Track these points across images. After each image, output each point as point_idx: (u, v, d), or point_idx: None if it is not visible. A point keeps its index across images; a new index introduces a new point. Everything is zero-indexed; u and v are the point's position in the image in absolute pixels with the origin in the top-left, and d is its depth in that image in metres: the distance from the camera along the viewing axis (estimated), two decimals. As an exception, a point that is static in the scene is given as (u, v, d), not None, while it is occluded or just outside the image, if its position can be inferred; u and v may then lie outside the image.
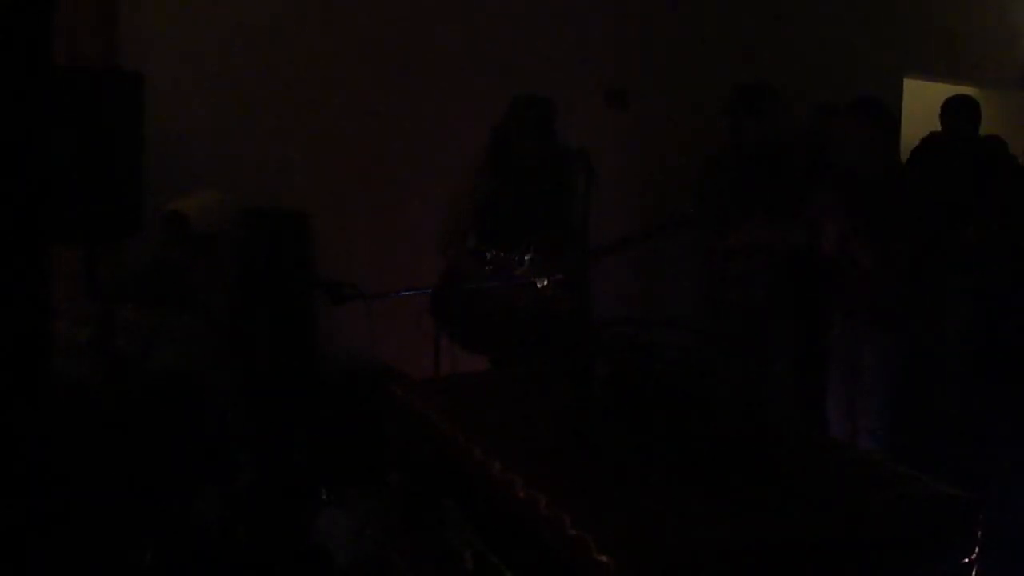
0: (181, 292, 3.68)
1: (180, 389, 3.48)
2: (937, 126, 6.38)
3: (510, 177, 4.73)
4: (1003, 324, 4.73)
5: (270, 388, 4.55)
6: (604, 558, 1.93)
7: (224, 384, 3.64)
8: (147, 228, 4.24)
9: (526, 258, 4.55)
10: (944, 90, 8.67)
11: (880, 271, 4.53)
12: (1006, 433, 4.51)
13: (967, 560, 2.31)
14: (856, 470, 2.53)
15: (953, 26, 8.55)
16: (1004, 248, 5.02)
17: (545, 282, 4.31)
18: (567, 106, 6.33)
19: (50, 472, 2.75)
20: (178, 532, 3.59)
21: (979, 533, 2.32)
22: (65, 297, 4.31)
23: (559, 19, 6.41)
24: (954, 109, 6.09)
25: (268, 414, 4.40)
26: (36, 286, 2.14)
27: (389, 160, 5.73)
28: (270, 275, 4.71)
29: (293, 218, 5.30)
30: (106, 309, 3.48)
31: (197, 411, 3.56)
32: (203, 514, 3.70)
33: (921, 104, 8.00)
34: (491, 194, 4.73)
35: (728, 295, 5.14)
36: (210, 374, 3.58)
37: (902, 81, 8.32)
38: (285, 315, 4.83)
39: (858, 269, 4.59)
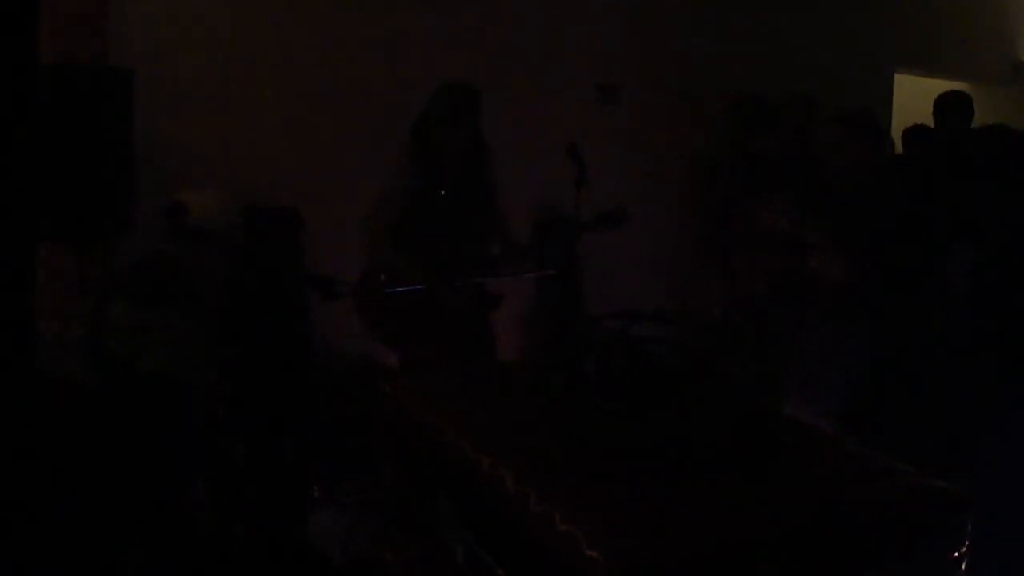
0: (175, 287, 3.66)
1: (171, 387, 3.47)
2: (927, 120, 6.38)
3: (431, 169, 4.50)
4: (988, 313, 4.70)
5: (262, 384, 4.55)
6: (593, 553, 1.94)
7: (216, 382, 3.63)
8: (139, 225, 4.25)
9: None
10: (935, 85, 8.70)
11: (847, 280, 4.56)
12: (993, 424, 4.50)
13: (957, 554, 2.32)
14: (846, 464, 2.54)
15: (944, 21, 8.57)
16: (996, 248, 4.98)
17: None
18: (560, 101, 6.35)
19: (41, 471, 2.75)
20: (171, 531, 3.58)
21: (969, 527, 2.33)
22: (57, 296, 4.31)
23: (552, 14, 6.41)
24: (947, 107, 6.07)
25: (260, 411, 4.39)
26: (22, 284, 2.14)
27: (381, 156, 5.72)
28: (262, 271, 4.70)
29: (284, 214, 5.29)
30: (97, 307, 3.47)
31: (189, 409, 3.55)
32: (196, 513, 3.70)
33: (911, 99, 8.02)
34: (413, 187, 4.49)
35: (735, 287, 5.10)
36: (202, 372, 3.57)
37: (893, 76, 8.34)
38: (277, 311, 4.82)
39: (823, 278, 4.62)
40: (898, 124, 7.82)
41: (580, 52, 6.53)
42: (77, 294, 4.12)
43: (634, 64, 6.73)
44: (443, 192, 4.48)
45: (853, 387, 4.63)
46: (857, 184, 4.67)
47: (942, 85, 8.79)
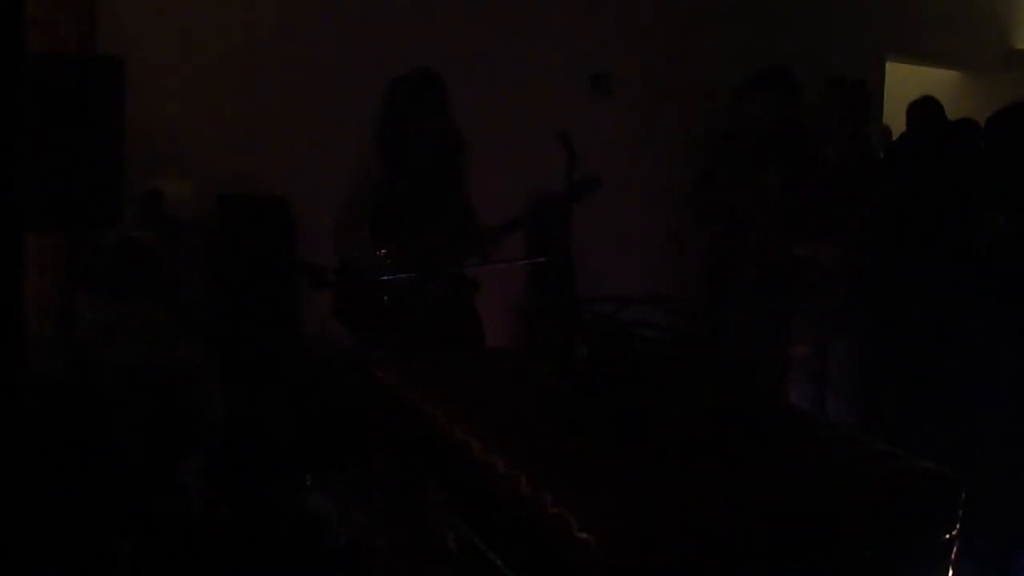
0: (147, 278, 3.62)
1: (144, 379, 3.44)
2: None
3: (405, 161, 4.42)
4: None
5: (253, 373, 4.53)
6: (585, 535, 1.94)
7: (197, 371, 3.60)
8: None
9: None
10: (927, 73, 8.71)
11: (841, 269, 4.56)
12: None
13: (948, 536, 2.32)
14: (838, 447, 2.54)
15: (936, 9, 8.56)
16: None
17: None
18: (552, 90, 6.34)
19: (27, 465, 2.74)
20: (157, 521, 3.57)
21: (960, 510, 2.33)
22: (29, 288, 4.28)
23: (544, 3, 6.40)
24: (915, 113, 6.07)
25: (251, 399, 4.38)
26: (11, 275, 2.13)
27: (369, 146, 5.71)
28: (251, 261, 4.68)
29: (275, 204, 5.28)
30: (69, 299, 3.44)
31: (166, 399, 3.53)
32: (186, 503, 3.69)
33: (903, 87, 8.03)
34: (385, 181, 4.40)
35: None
36: (179, 362, 3.53)
37: (884, 64, 8.34)
38: (267, 300, 4.81)
39: (820, 267, 4.63)
40: (890, 112, 7.84)
41: (571, 40, 6.51)
42: (50, 287, 4.09)
43: (625, 52, 6.72)
44: (414, 182, 4.40)
45: (858, 373, 4.64)
46: (845, 153, 4.68)
47: (934, 73, 8.82)
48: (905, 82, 8.21)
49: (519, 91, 6.20)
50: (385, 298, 4.24)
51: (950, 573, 2.34)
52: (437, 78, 4.46)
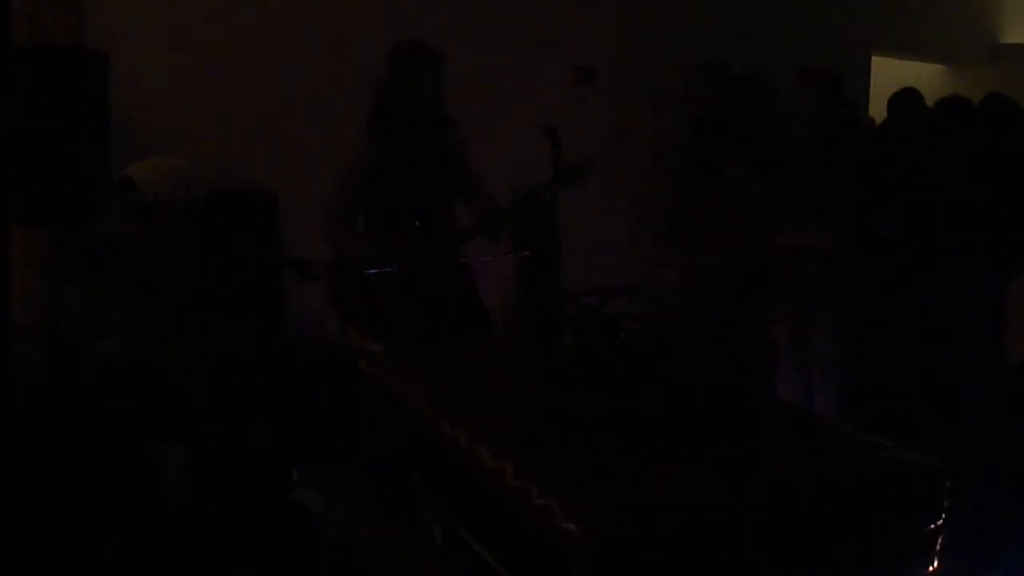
0: (131, 271, 3.57)
1: (130, 373, 3.41)
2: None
3: (404, 141, 4.30)
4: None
5: (238, 367, 4.52)
6: (570, 526, 1.94)
7: (182, 365, 3.57)
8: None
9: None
10: (912, 67, 8.72)
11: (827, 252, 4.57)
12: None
13: (933, 527, 2.33)
14: (823, 438, 2.55)
15: (921, 3, 8.58)
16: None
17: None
18: (538, 83, 6.34)
19: (10, 458, 2.72)
20: (143, 518, 3.55)
21: (945, 501, 2.34)
22: (14, 280, 4.26)
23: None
24: (894, 105, 6.08)
25: (237, 394, 4.36)
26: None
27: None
28: (237, 254, 4.66)
29: (261, 197, 5.27)
30: (54, 292, 3.40)
31: (151, 394, 3.49)
32: (172, 497, 3.67)
33: (889, 81, 8.04)
34: (382, 162, 4.30)
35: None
36: (164, 356, 3.49)
37: (870, 58, 8.35)
38: (253, 294, 4.79)
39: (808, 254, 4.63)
40: (875, 106, 7.85)
41: (559, 34, 6.51)
42: (34, 280, 4.06)
43: (611, 46, 6.72)
44: (409, 162, 4.32)
45: (848, 368, 4.64)
46: (819, 139, 4.69)
47: (919, 67, 8.83)
48: (891, 76, 8.22)
49: (505, 84, 6.19)
50: (393, 292, 4.21)
51: (936, 563, 2.34)
52: (430, 50, 4.39)
